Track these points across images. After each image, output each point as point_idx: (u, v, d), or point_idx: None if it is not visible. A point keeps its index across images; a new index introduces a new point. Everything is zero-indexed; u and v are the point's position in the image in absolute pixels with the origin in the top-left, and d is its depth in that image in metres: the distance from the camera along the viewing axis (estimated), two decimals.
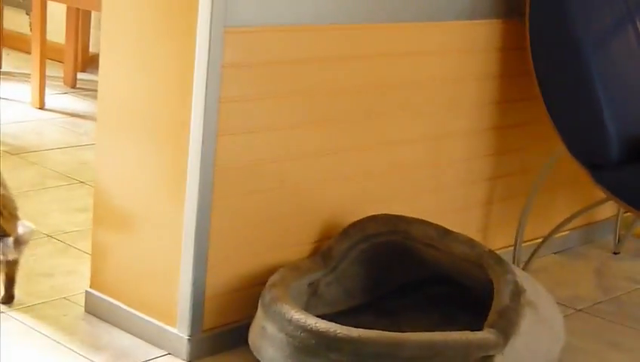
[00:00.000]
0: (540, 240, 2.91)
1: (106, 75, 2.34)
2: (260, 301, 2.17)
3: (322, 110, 2.37)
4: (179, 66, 2.17)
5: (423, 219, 2.43)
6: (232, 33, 2.13)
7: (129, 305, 2.34)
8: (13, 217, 2.44)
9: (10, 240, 2.41)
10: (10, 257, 2.42)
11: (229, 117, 2.18)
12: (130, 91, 2.29)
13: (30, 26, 4.38)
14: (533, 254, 2.87)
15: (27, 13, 5.01)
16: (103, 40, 2.33)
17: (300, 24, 2.26)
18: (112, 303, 2.37)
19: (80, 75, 4.65)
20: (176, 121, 2.20)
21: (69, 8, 4.50)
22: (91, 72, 4.72)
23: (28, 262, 2.64)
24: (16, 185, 3.21)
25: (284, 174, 2.33)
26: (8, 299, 2.46)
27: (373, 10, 2.40)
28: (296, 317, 2.05)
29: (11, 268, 2.46)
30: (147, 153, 2.27)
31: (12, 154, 3.55)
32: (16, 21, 5.14)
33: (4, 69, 4.65)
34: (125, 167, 2.33)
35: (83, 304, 2.45)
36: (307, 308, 2.26)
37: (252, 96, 2.22)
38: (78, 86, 4.57)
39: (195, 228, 2.19)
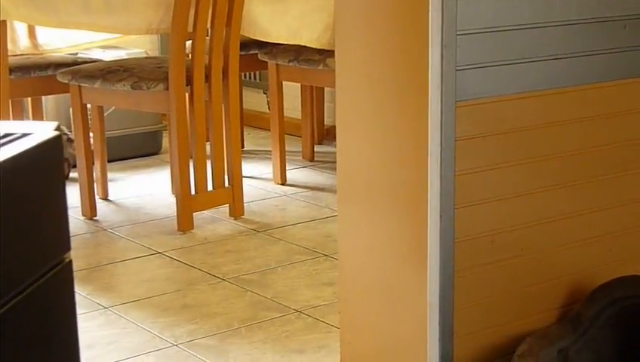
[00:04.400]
0: None
1: (343, 149, 2.40)
2: None
3: (557, 174, 2.35)
4: (414, 139, 2.21)
5: None
6: (463, 107, 2.16)
7: None
8: None
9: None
10: None
11: (465, 188, 2.20)
12: (368, 164, 2.34)
13: (268, 104, 4.56)
14: None
15: (264, 92, 5.23)
16: (339, 116, 2.39)
17: (528, 91, 2.26)
18: None
19: (317, 148, 4.81)
20: (414, 192, 2.23)
21: (303, 85, 4.67)
22: (328, 144, 4.87)
23: (280, 339, 2.74)
24: (264, 262, 3.37)
25: (524, 241, 2.32)
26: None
27: (602, 69, 2.37)
28: None
29: None
30: (388, 224, 2.31)
31: (258, 232, 3.70)
32: (255, 101, 5.38)
33: (247, 148, 4.87)
34: (367, 239, 2.38)
35: None
36: None
37: (486, 167, 2.23)
38: (316, 159, 4.71)
39: (439, 300, 2.21)
